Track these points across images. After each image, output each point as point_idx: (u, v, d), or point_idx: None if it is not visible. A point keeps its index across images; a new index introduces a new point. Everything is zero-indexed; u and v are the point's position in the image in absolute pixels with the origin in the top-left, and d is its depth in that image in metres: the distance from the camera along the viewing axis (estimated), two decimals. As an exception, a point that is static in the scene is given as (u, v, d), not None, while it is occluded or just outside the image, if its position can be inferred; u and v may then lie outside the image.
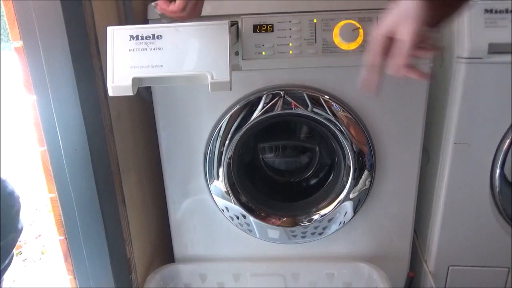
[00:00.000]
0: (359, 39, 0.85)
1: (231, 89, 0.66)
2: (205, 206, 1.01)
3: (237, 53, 0.87)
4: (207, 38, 0.66)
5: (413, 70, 0.57)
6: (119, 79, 0.65)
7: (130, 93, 0.65)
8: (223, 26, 0.67)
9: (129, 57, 0.65)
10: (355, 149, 0.92)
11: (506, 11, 0.82)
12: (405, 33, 0.54)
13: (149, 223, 1.08)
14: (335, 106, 0.89)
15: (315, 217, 1.00)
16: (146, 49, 0.66)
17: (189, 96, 0.91)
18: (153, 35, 0.66)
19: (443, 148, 0.94)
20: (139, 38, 0.66)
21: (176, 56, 0.66)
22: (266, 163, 1.20)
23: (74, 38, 0.69)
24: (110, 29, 0.66)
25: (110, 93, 0.66)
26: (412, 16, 0.53)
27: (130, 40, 0.66)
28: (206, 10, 0.86)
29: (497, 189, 0.92)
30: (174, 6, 0.69)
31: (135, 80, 0.65)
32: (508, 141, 0.88)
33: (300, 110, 0.89)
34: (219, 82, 0.66)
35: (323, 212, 1.00)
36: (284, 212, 1.03)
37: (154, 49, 0.66)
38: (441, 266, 1.03)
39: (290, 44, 0.86)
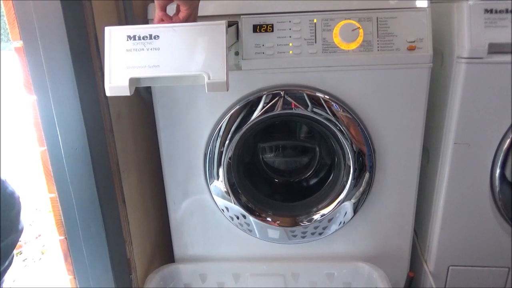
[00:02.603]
0: (359, 39, 0.85)
1: (227, 90, 0.66)
2: (205, 206, 1.01)
3: (237, 53, 0.87)
4: (204, 38, 0.66)
5: None
6: (116, 79, 0.65)
7: (127, 93, 0.65)
8: (220, 27, 0.67)
9: (126, 57, 0.65)
10: (355, 149, 0.92)
11: (506, 11, 0.82)
12: None
13: (149, 223, 1.08)
14: (335, 106, 0.89)
15: (315, 217, 1.00)
16: (143, 49, 0.66)
17: (189, 96, 0.91)
18: (150, 35, 0.66)
19: (443, 148, 0.94)
20: (136, 38, 0.66)
21: (173, 56, 0.66)
22: (266, 163, 1.20)
23: (74, 38, 0.69)
24: (107, 29, 0.65)
25: (108, 93, 0.66)
26: None
27: (128, 40, 0.66)
28: (207, 10, 0.86)
29: (497, 189, 0.92)
30: (177, 19, 0.70)
31: (132, 80, 0.65)
32: (508, 141, 0.89)
33: (300, 110, 0.89)
34: (215, 83, 0.66)
35: (323, 212, 1.00)
36: (284, 212, 1.03)
37: (151, 49, 0.66)
38: (441, 266, 1.03)
39: (290, 44, 0.86)
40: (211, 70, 0.66)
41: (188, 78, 0.68)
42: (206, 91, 0.66)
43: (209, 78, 0.66)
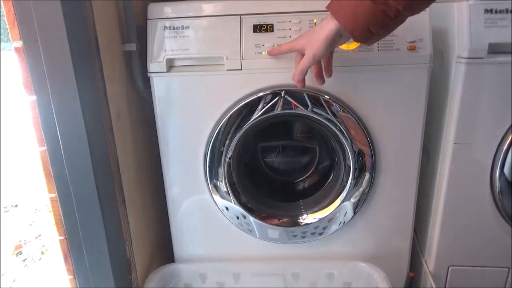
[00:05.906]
0: (359, 39, 0.85)
1: (241, 68, 0.86)
2: (205, 206, 1.01)
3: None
4: (222, 27, 0.86)
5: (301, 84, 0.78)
6: (156, 59, 0.87)
7: (164, 70, 0.87)
8: (235, 18, 0.86)
9: (164, 42, 0.87)
10: (355, 149, 0.92)
11: (506, 11, 0.82)
12: (305, 56, 0.72)
13: (149, 223, 1.08)
14: (335, 106, 0.89)
15: (315, 217, 1.00)
16: (176, 36, 0.87)
17: (189, 96, 0.91)
18: (182, 26, 0.87)
19: (443, 148, 0.94)
20: (172, 28, 0.87)
21: (199, 41, 0.86)
22: (266, 163, 1.20)
23: (74, 38, 0.68)
24: (149, 21, 0.87)
25: (150, 69, 0.88)
26: (314, 46, 0.69)
27: (165, 30, 0.87)
28: (207, 10, 0.86)
29: (497, 189, 0.92)
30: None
31: (168, 60, 0.88)
32: (508, 141, 0.89)
33: (300, 110, 0.89)
34: (232, 62, 0.86)
35: (323, 212, 1.00)
36: (284, 212, 1.03)
37: (182, 36, 0.87)
38: (441, 266, 1.04)
39: (290, 44, 0.86)
40: (229, 52, 0.86)
41: (211, 59, 0.87)
42: (225, 68, 0.87)
43: (227, 58, 0.86)
